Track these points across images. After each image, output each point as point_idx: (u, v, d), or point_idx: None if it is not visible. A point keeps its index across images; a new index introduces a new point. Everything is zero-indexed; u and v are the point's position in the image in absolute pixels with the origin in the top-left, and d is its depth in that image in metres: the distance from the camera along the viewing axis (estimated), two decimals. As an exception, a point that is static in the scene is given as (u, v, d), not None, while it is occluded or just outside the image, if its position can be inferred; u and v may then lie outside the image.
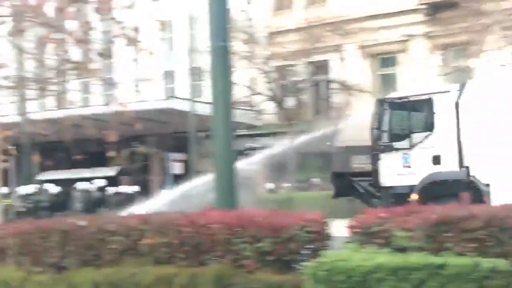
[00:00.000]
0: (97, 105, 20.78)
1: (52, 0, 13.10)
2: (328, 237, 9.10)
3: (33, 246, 10.83)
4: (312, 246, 8.79)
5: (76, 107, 14.73)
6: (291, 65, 31.46)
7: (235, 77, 14.60)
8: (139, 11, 14.97)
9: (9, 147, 13.38)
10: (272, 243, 8.86)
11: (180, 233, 9.53)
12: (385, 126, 14.98)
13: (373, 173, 15.20)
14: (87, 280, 9.72)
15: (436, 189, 13.75)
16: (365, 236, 8.26)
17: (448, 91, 14.59)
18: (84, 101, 23.48)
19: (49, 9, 13.52)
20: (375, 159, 15.17)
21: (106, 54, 14.06)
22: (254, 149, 23.74)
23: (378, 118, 15.08)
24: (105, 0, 13.13)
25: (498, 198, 11.81)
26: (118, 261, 10.03)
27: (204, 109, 24.53)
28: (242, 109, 23.30)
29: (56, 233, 10.62)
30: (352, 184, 15.64)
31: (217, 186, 11.55)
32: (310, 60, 29.61)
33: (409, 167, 14.47)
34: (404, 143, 14.58)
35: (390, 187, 14.84)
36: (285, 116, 29.99)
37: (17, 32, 13.80)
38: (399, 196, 13.96)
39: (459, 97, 14.39)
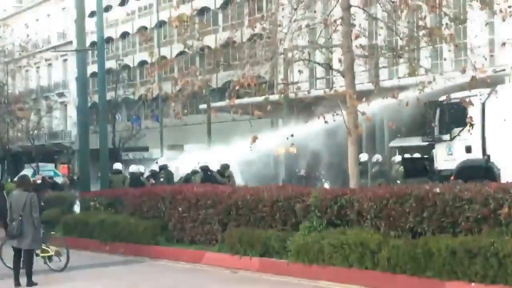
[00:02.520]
0: (449, 71, 20.55)
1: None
2: None
3: (389, 211, 11.10)
4: None
5: (427, 74, 14.57)
6: None
7: None
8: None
9: (365, 114, 13.76)
10: None
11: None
12: (436, 122, 18.42)
13: (430, 160, 19.13)
14: (443, 247, 9.68)
15: (466, 172, 16.84)
16: None
17: (476, 95, 16.71)
18: (435, 68, 23.25)
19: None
20: (431, 149, 19.20)
21: (460, 19, 13.73)
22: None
23: (432, 116, 18.47)
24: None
25: (506, 178, 14.38)
26: (475, 229, 9.84)
27: None
28: None
29: (412, 199, 10.75)
30: (425, 166, 19.35)
31: None
32: None
33: (451, 154, 17.99)
34: (447, 136, 18.02)
35: (440, 170, 18.19)
36: None
37: (371, 1, 14.13)
38: (445, 178, 16.96)
39: (486, 99, 17.21)
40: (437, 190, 10.48)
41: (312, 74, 37.91)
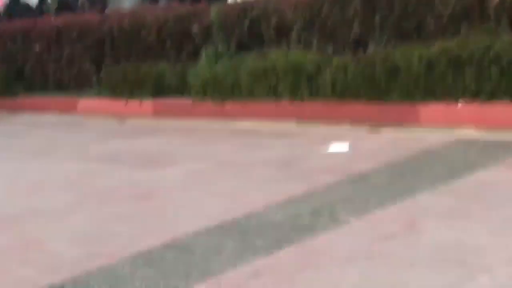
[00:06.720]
0: None
1: None
2: None
3: (325, 20, 8.45)
4: None
5: None
6: None
7: None
8: None
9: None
10: None
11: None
12: None
13: None
14: (415, 59, 7.16)
15: None
16: None
17: None
18: None
19: None
20: None
21: None
22: None
23: None
24: None
25: None
26: (451, 31, 7.41)
27: None
28: None
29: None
30: None
31: None
32: None
33: None
34: None
35: None
36: None
37: None
38: None
39: None
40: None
41: None
